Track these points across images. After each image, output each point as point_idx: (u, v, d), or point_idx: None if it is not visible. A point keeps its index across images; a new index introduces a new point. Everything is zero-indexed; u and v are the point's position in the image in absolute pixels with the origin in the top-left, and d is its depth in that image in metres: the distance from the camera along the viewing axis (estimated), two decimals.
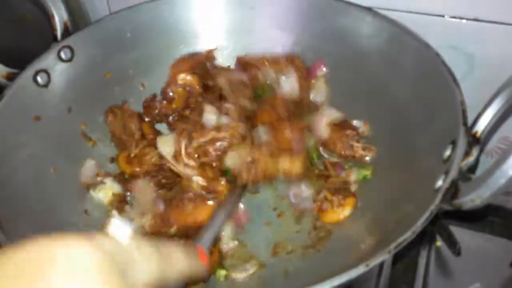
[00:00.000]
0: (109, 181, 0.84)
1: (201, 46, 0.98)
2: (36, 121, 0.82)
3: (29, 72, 0.82)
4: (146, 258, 0.39)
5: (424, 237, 0.86)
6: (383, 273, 0.78)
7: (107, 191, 0.83)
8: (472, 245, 0.85)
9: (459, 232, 0.84)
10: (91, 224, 0.80)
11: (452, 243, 0.81)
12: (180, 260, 0.44)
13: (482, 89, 0.94)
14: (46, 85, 0.84)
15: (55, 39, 0.88)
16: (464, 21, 0.87)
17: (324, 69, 0.92)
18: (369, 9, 0.86)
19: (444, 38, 0.90)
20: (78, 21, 0.92)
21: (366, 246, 0.63)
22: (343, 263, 0.61)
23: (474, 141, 0.62)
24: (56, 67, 0.86)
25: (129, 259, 0.37)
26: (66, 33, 0.88)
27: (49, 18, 0.87)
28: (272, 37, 0.96)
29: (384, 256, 0.52)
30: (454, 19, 0.88)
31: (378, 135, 0.84)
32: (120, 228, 0.37)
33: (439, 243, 0.85)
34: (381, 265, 0.78)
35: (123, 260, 0.36)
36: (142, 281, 0.37)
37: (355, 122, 0.86)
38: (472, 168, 0.63)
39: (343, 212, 0.77)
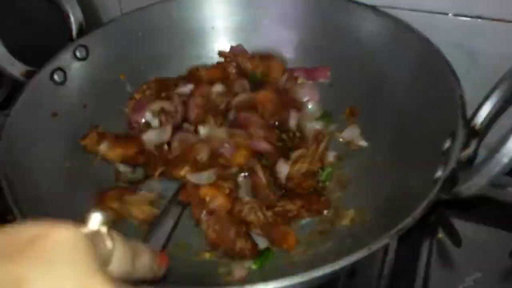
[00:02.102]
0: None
1: (210, 45, 1.02)
2: (53, 117, 0.85)
3: (46, 70, 0.86)
4: (122, 252, 0.40)
5: (426, 230, 0.88)
6: (386, 262, 0.80)
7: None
8: (473, 236, 0.86)
9: (461, 224, 0.86)
10: None
11: (453, 234, 0.84)
12: (148, 259, 0.45)
13: (485, 87, 0.97)
14: (62, 83, 0.88)
15: (70, 38, 0.91)
16: (467, 19, 0.89)
17: (329, 75, 0.96)
18: (372, 7, 0.89)
19: (447, 36, 0.91)
20: (89, 21, 0.95)
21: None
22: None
23: (473, 133, 0.65)
24: (72, 65, 0.89)
25: (107, 250, 0.38)
26: (81, 32, 0.92)
27: (64, 18, 0.91)
28: (279, 36, 0.99)
29: (386, 240, 0.55)
30: (457, 17, 0.90)
31: (379, 129, 0.86)
32: (99, 221, 0.39)
33: (441, 235, 0.87)
34: (384, 253, 0.80)
35: (101, 250, 0.37)
36: (116, 274, 0.39)
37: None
38: (471, 161, 0.66)
39: None
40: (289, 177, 0.82)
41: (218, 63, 1.01)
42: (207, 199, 0.76)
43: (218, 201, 0.76)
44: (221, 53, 1.02)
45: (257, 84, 0.97)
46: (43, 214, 0.68)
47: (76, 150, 0.87)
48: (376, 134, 0.86)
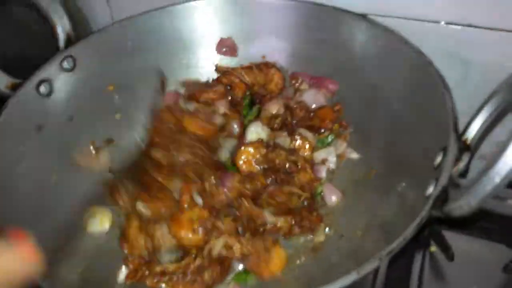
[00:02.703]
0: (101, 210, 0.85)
1: (201, 54, 1.00)
2: (38, 130, 0.83)
3: (32, 82, 0.84)
4: None
5: (418, 243, 0.87)
6: (378, 279, 0.79)
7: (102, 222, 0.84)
8: (466, 250, 0.85)
9: (453, 237, 0.85)
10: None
11: (445, 248, 0.83)
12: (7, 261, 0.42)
13: (478, 95, 0.95)
14: (48, 95, 0.86)
15: (57, 49, 0.90)
16: (459, 27, 0.88)
17: (335, 89, 0.94)
18: (364, 17, 0.88)
19: (439, 44, 0.91)
20: (79, 30, 0.94)
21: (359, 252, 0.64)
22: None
23: (465, 147, 0.63)
24: (58, 77, 0.88)
25: None
26: (69, 43, 0.90)
27: (52, 28, 0.89)
28: (271, 45, 0.98)
29: (375, 263, 0.54)
30: (449, 25, 0.89)
31: (371, 141, 0.85)
32: None
33: (433, 248, 0.86)
34: (375, 270, 0.79)
35: None
36: None
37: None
38: (463, 174, 0.65)
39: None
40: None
41: (217, 79, 0.99)
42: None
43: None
44: (218, 68, 0.99)
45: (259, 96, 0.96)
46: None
47: (62, 163, 0.85)
48: (368, 147, 0.85)
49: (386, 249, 0.54)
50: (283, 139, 0.87)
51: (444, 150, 0.64)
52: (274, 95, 0.95)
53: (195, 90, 0.93)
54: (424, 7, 0.89)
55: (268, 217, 0.77)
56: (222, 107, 0.91)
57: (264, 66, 0.96)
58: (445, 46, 0.91)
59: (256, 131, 0.88)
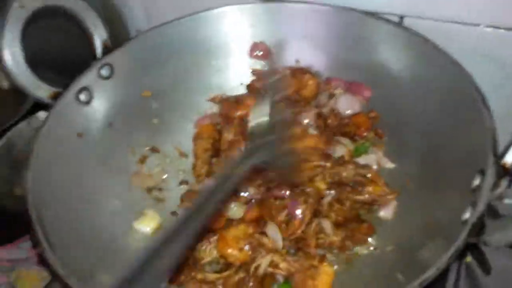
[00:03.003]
0: (149, 212, 0.87)
1: (234, 58, 1.01)
2: (79, 137, 0.86)
3: (72, 90, 0.87)
4: None
5: None
6: None
7: (149, 222, 0.86)
8: (504, 262, 0.84)
9: (490, 250, 0.84)
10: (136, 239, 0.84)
11: (482, 261, 0.82)
12: None
13: None
14: (88, 102, 0.89)
15: (94, 57, 0.92)
16: (501, 30, 0.86)
17: (369, 96, 0.93)
18: (399, 24, 0.86)
19: (479, 47, 0.89)
20: (117, 35, 0.95)
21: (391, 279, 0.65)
22: None
23: (504, 172, 0.62)
24: (97, 84, 0.90)
25: None
26: (106, 51, 0.92)
27: (87, 37, 0.91)
28: (304, 50, 0.97)
29: None
30: (490, 28, 0.86)
31: (406, 152, 0.84)
32: None
33: (469, 259, 0.85)
34: None
35: None
36: None
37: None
38: (501, 198, 0.64)
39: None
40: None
41: (251, 84, 1.00)
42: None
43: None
44: (254, 72, 0.99)
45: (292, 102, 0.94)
46: (72, 240, 0.74)
47: (103, 169, 0.88)
48: (403, 158, 0.84)
49: (419, 279, 0.55)
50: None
51: (482, 172, 0.63)
52: (308, 101, 0.94)
53: (229, 108, 0.93)
54: (464, 9, 0.86)
55: (327, 227, 0.76)
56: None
57: (298, 72, 0.94)
58: (484, 49, 0.88)
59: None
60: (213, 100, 1.00)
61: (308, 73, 0.94)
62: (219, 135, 0.92)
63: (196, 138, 0.94)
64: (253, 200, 0.82)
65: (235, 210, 0.82)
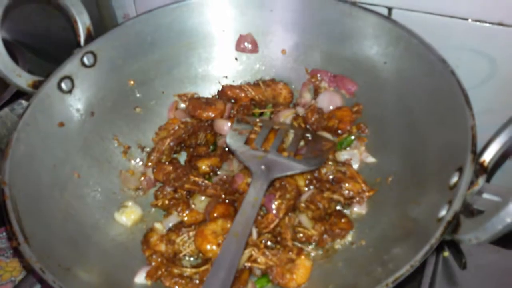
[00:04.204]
0: (131, 204, 0.87)
1: (221, 48, 1.00)
2: (60, 127, 0.85)
3: (53, 79, 0.85)
4: None
5: None
6: None
7: (129, 214, 0.86)
8: (480, 256, 0.85)
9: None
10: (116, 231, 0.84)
11: (458, 255, 0.83)
12: None
13: (504, 94, 0.94)
14: (70, 91, 0.88)
15: (78, 45, 0.90)
16: (488, 24, 0.85)
17: (354, 91, 0.92)
18: (387, 17, 0.85)
19: (466, 41, 0.89)
20: (105, 18, 0.92)
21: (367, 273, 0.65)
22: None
23: (482, 169, 0.62)
24: (79, 73, 0.89)
25: None
26: (89, 38, 0.91)
27: (72, 24, 0.90)
28: (290, 40, 0.97)
29: None
30: (478, 23, 0.86)
31: (388, 147, 0.84)
32: None
33: (446, 253, 0.86)
34: None
35: None
36: None
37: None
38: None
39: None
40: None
41: (222, 90, 0.98)
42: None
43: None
44: (221, 93, 0.98)
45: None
46: (47, 228, 0.73)
47: (85, 159, 0.87)
48: (384, 153, 0.84)
49: (392, 277, 0.55)
50: None
51: (460, 170, 0.63)
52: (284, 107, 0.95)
53: (196, 108, 0.93)
54: (453, 3, 0.86)
55: (305, 222, 0.77)
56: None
57: (271, 82, 0.96)
58: (472, 44, 0.88)
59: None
60: (181, 97, 0.99)
61: (280, 83, 0.96)
62: (187, 132, 0.92)
63: (161, 128, 0.94)
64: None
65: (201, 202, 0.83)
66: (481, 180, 0.62)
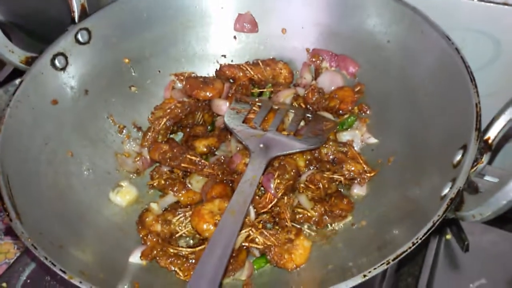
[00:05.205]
0: (126, 184, 0.85)
1: (219, 26, 0.97)
2: (54, 104, 0.83)
3: (47, 56, 0.83)
4: None
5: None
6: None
7: (124, 194, 0.84)
8: (482, 239, 0.84)
9: (470, 225, 0.83)
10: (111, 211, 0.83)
11: (461, 238, 0.82)
12: None
13: (507, 76, 0.92)
14: (63, 69, 0.86)
15: (72, 21, 0.88)
16: (492, 5, 0.83)
17: (355, 72, 0.90)
18: None
19: (471, 22, 0.87)
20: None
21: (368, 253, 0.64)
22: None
23: (486, 147, 0.61)
24: (73, 50, 0.86)
25: None
26: (84, 15, 0.88)
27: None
28: (290, 19, 0.94)
29: (382, 268, 0.53)
30: (482, 3, 0.84)
31: (390, 127, 0.82)
32: None
33: (449, 236, 0.85)
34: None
35: None
36: None
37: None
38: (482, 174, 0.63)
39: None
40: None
41: (220, 69, 0.95)
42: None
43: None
44: (219, 72, 0.95)
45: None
46: (40, 206, 0.71)
47: (79, 138, 0.85)
48: (387, 133, 0.82)
49: (394, 254, 0.53)
50: None
51: (464, 148, 0.61)
52: (285, 86, 0.93)
53: (194, 87, 0.90)
54: None
55: (304, 203, 0.76)
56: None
57: (271, 62, 0.93)
58: (477, 24, 0.87)
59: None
60: (177, 77, 0.97)
61: (280, 62, 0.93)
62: (183, 111, 0.89)
63: (157, 107, 0.92)
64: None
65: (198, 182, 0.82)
66: (485, 158, 0.60)
